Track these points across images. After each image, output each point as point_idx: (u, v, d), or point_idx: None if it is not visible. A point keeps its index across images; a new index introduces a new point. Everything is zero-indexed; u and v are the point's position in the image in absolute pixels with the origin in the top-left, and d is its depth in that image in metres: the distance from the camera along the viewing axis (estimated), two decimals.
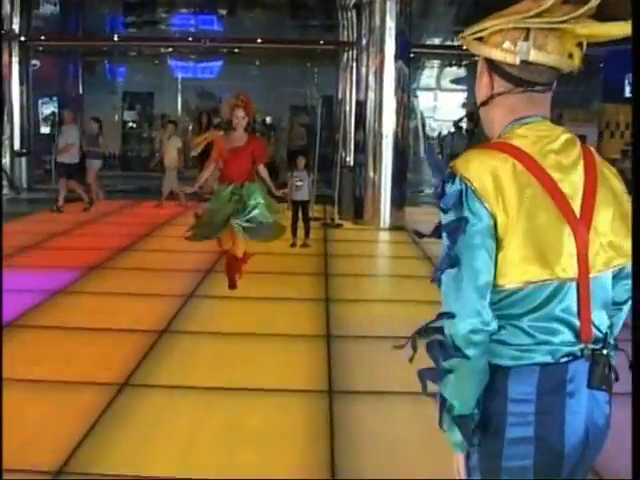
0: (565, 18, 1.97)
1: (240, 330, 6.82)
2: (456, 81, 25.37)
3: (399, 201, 13.91)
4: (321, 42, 20.89)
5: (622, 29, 2.00)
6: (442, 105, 25.97)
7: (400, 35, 13.79)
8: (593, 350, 2.02)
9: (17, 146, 19.30)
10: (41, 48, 21.10)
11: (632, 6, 2.02)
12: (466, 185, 1.94)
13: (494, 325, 1.95)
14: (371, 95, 13.89)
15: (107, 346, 6.25)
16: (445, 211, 1.97)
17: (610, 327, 2.13)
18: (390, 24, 13.68)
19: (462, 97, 25.21)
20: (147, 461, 4.29)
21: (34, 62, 20.34)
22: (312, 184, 13.97)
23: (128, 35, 23.31)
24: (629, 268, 2.10)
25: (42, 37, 20.68)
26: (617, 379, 2.10)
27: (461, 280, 1.94)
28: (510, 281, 1.96)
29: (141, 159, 23.83)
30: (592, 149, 2.14)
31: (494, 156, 1.99)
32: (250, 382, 5.55)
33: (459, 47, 20.90)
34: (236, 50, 23.04)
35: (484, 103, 2.16)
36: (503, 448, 2.00)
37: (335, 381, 5.63)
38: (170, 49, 23.94)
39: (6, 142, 18.92)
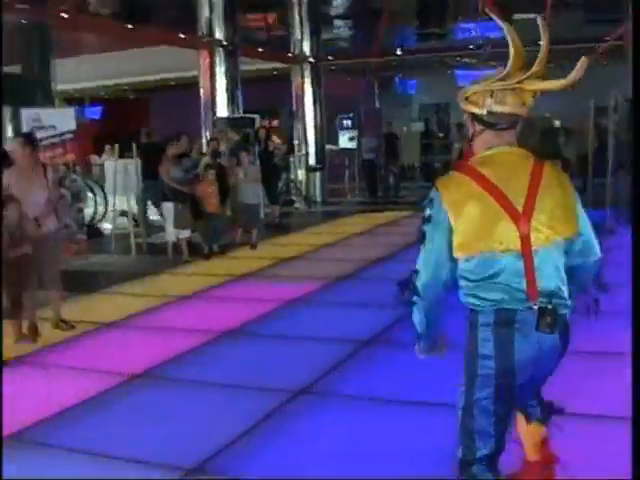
0: (515, 81, 2.93)
1: None
2: None
3: None
4: None
5: (556, 85, 2.97)
6: None
7: None
8: (541, 304, 2.89)
9: (312, 161, 20.56)
10: (333, 67, 22.27)
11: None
12: (438, 194, 2.98)
13: (441, 283, 3.03)
14: None
15: None
16: (424, 208, 3.03)
17: (562, 286, 2.97)
18: None
19: None
20: None
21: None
22: None
23: (418, 48, 23.75)
24: (578, 243, 3.04)
25: (329, 57, 21.82)
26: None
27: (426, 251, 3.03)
28: (462, 254, 2.94)
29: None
30: (545, 163, 3.06)
31: (460, 177, 3.00)
32: None
33: None
34: None
35: (471, 139, 3.16)
36: (478, 361, 2.97)
37: None
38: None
39: (302, 158, 20.20)
